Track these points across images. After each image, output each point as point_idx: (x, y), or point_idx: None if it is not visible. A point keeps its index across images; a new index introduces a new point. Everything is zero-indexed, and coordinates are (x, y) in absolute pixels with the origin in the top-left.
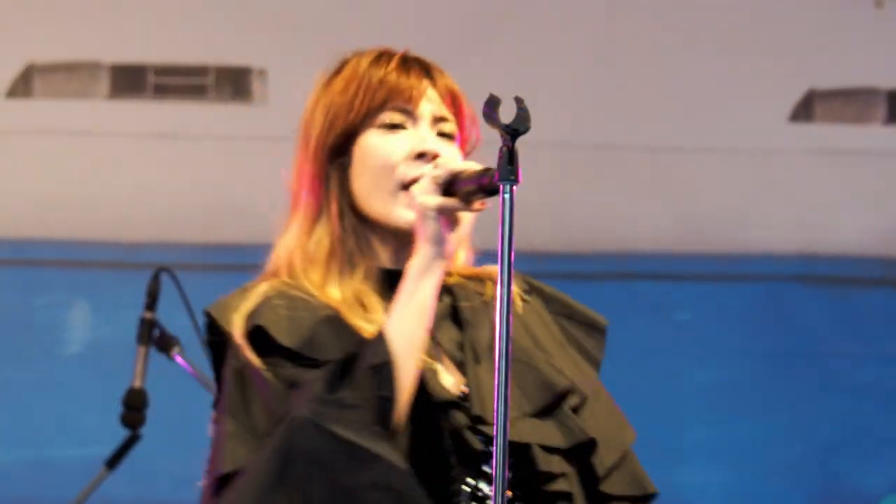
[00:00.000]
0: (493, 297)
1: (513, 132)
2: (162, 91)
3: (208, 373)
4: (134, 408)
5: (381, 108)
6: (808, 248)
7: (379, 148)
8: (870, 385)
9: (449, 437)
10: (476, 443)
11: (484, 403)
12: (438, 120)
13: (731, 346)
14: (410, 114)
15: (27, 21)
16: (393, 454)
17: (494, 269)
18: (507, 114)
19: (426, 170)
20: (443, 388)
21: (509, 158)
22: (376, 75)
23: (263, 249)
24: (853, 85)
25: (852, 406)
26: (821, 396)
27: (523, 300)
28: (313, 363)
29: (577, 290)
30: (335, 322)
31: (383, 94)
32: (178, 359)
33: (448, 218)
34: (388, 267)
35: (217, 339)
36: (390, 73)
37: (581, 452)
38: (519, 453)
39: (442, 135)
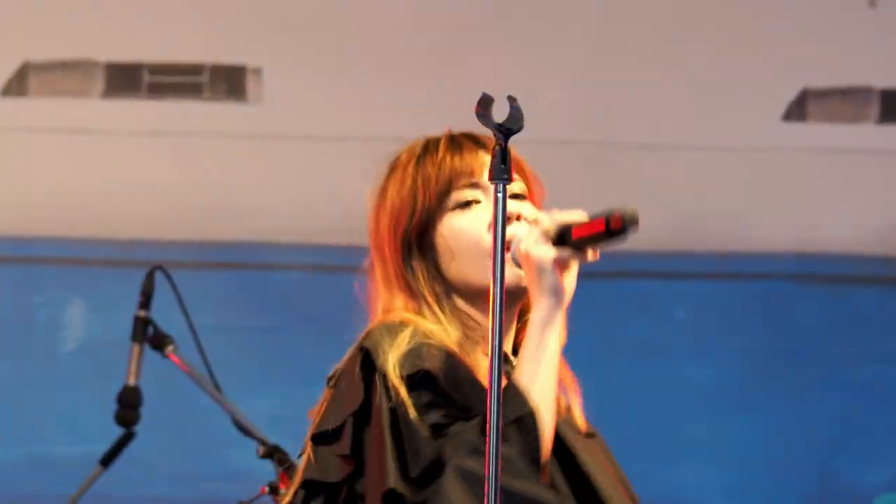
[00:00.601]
0: None
1: (506, 131)
2: (157, 89)
3: (202, 370)
4: (128, 406)
5: (449, 191)
6: (804, 246)
7: (462, 226)
8: (866, 383)
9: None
10: None
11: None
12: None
13: (728, 344)
14: (478, 186)
15: (23, 20)
16: (546, 493)
17: None
18: (500, 113)
19: (515, 230)
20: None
21: (502, 157)
22: (431, 163)
23: (257, 247)
24: (847, 84)
25: (849, 404)
26: (817, 394)
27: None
28: (462, 412)
29: (577, 290)
30: (471, 374)
31: (445, 177)
32: (172, 357)
33: (560, 268)
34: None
35: (369, 373)
36: (443, 156)
37: None
38: None
39: (514, 196)
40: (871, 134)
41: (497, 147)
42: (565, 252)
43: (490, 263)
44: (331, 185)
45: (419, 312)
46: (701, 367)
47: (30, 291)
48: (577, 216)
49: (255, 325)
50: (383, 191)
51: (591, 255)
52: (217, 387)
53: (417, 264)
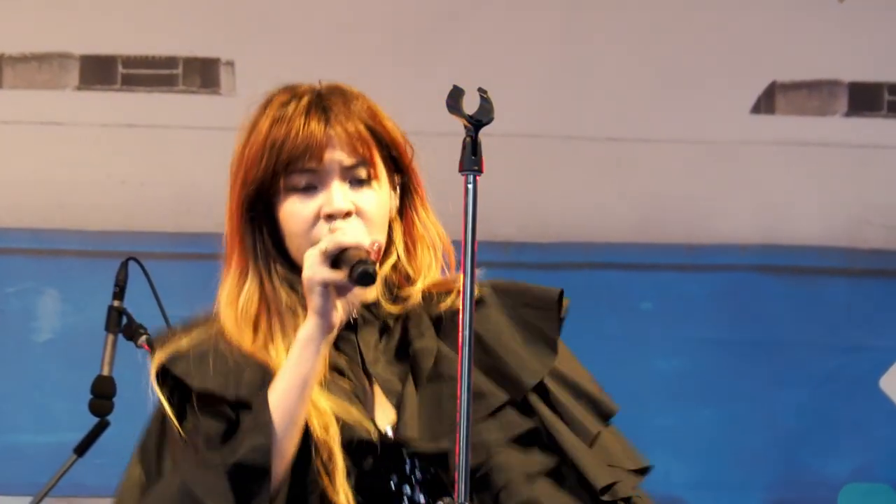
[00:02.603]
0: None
1: (476, 123)
2: (131, 82)
3: None
4: (102, 395)
5: (287, 170)
6: (770, 238)
7: (293, 214)
8: (832, 374)
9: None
10: (388, 482)
11: (405, 428)
12: (348, 169)
13: (694, 335)
14: (316, 172)
15: None
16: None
17: (459, 277)
18: (470, 105)
19: (333, 231)
20: (356, 431)
21: (473, 149)
22: (278, 135)
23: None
24: (815, 77)
25: (815, 395)
26: (783, 385)
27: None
28: (214, 410)
29: (543, 280)
30: (255, 372)
31: (286, 157)
32: (146, 347)
33: (337, 288)
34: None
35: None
36: (291, 129)
37: None
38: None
39: (356, 181)
40: (839, 127)
41: (468, 139)
42: (337, 276)
43: (308, 263)
44: None
45: (246, 272)
46: (667, 359)
47: (2, 282)
48: (356, 240)
49: None
50: (250, 133)
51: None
52: None
53: (257, 225)
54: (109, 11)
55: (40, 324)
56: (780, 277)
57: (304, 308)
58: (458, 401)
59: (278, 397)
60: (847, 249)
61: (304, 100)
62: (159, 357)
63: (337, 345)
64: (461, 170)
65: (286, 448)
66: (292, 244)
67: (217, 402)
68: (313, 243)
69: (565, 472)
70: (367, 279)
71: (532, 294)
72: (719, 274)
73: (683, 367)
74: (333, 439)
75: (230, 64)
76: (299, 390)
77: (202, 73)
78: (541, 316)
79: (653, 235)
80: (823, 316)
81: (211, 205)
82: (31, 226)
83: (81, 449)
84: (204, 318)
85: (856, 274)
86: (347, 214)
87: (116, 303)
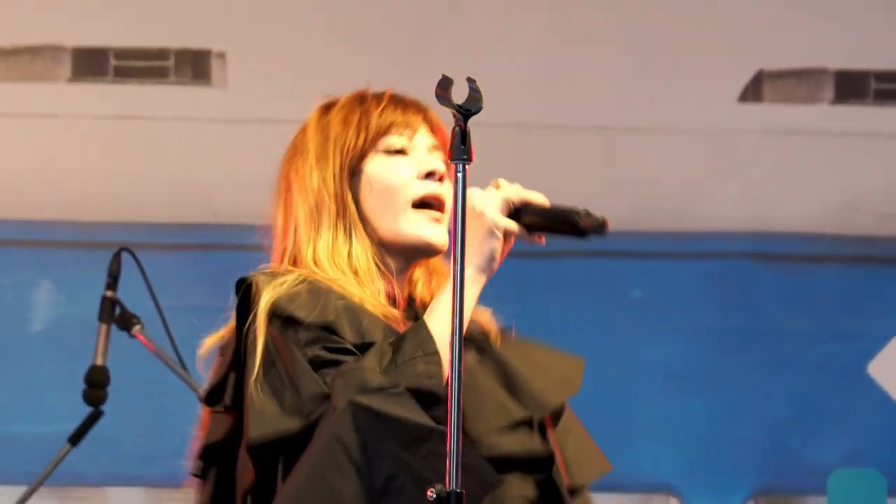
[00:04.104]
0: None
1: (465, 112)
2: (123, 74)
3: (168, 350)
4: (96, 385)
5: (385, 133)
6: (759, 226)
7: (387, 170)
8: (822, 361)
9: None
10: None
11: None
12: (433, 149)
13: (684, 323)
14: (410, 139)
15: None
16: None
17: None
18: (459, 94)
19: (435, 189)
20: None
21: (462, 138)
22: (376, 105)
23: (222, 229)
24: (801, 66)
25: (804, 382)
26: (772, 372)
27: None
28: (345, 347)
29: (534, 268)
30: (367, 312)
31: (386, 121)
32: (139, 336)
33: (505, 238)
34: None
35: (244, 311)
36: (387, 105)
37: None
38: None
39: (436, 148)
40: (826, 115)
41: (457, 128)
42: (517, 228)
43: (400, 217)
44: None
45: (348, 234)
46: (657, 346)
47: None
48: (538, 197)
49: (220, 305)
50: (325, 114)
51: (536, 238)
52: (183, 365)
53: (344, 194)
54: (101, 4)
55: (34, 314)
56: (769, 265)
57: (382, 269)
58: (449, 388)
59: (439, 329)
60: (836, 237)
61: (389, 92)
62: (273, 293)
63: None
64: (450, 159)
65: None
66: (380, 201)
67: (338, 337)
68: (406, 199)
69: None
70: (604, 228)
71: (558, 350)
72: (709, 262)
73: (674, 355)
74: None
75: (221, 55)
76: (460, 325)
77: (194, 65)
78: (567, 362)
79: (642, 224)
80: (812, 303)
81: (202, 196)
82: (24, 217)
83: (75, 438)
84: (290, 271)
85: (845, 261)
86: (441, 178)
87: (109, 293)
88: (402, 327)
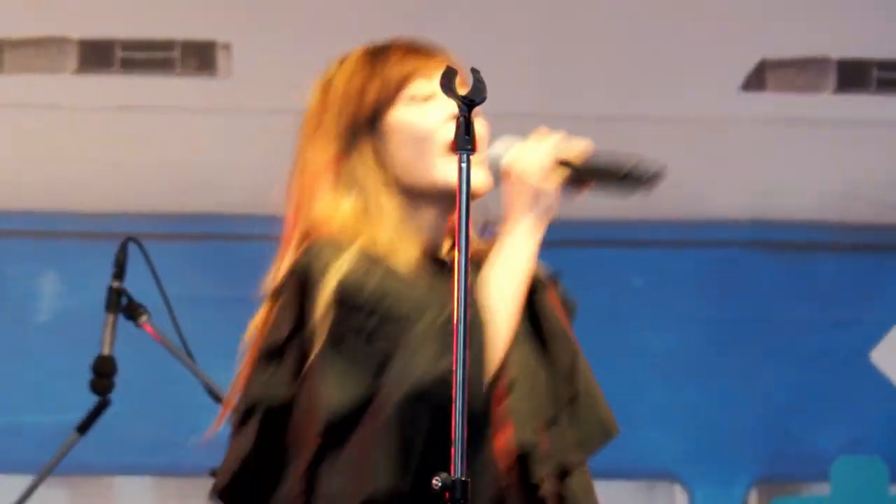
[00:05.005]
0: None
1: (469, 102)
2: (129, 65)
3: (175, 340)
4: (103, 375)
5: (406, 82)
6: (760, 214)
7: (416, 118)
8: (823, 349)
9: None
10: None
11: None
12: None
13: (686, 311)
14: (433, 83)
15: None
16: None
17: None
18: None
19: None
20: None
21: (466, 128)
22: (394, 55)
23: (228, 219)
24: (804, 54)
25: (806, 369)
26: (774, 361)
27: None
28: (398, 321)
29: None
30: (419, 282)
31: (408, 69)
32: (146, 326)
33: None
34: (429, 234)
35: (304, 282)
36: (407, 52)
37: None
38: None
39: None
40: (828, 103)
41: (461, 118)
42: (561, 184)
43: (437, 161)
44: None
45: (353, 208)
46: (659, 335)
47: (3, 263)
48: (584, 147)
49: (227, 296)
50: (329, 82)
51: (585, 190)
52: (190, 355)
53: (363, 151)
54: None
55: (40, 305)
56: (770, 253)
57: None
58: (454, 373)
59: (496, 284)
60: (837, 225)
61: (404, 41)
62: (338, 274)
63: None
64: (454, 149)
65: (507, 332)
66: (412, 151)
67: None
68: (440, 145)
69: None
70: (656, 179)
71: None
72: (710, 250)
73: (674, 343)
74: None
75: (227, 47)
76: (521, 282)
77: (199, 56)
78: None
79: (643, 212)
80: (814, 291)
81: (208, 186)
82: (30, 208)
83: (83, 428)
84: (331, 237)
85: (846, 249)
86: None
87: (116, 283)
88: (448, 284)
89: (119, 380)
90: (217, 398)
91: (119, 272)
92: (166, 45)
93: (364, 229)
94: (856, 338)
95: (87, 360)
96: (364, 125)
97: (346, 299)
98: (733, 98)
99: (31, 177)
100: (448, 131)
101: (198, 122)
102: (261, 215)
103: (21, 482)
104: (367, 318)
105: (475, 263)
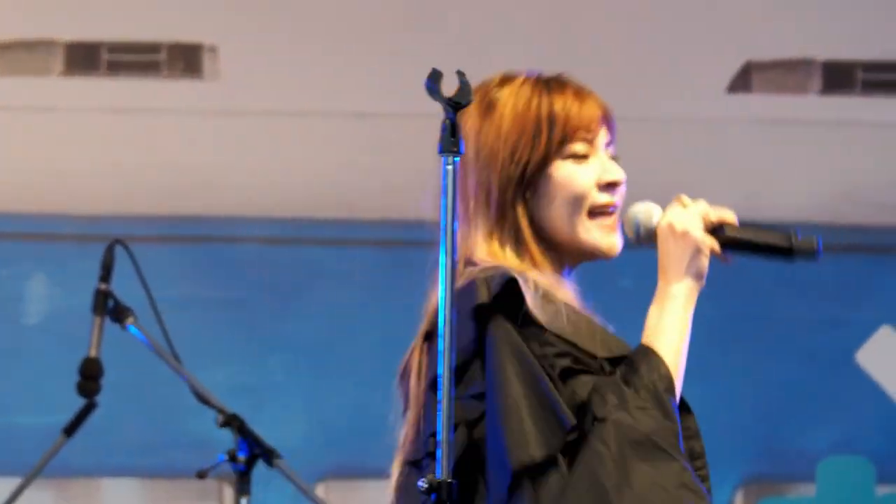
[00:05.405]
0: None
1: (455, 105)
2: (115, 68)
3: (161, 342)
4: (89, 377)
5: (570, 139)
6: (750, 215)
7: (573, 178)
8: (814, 349)
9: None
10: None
11: None
12: (608, 144)
13: None
14: (592, 142)
15: None
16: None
17: None
18: (449, 87)
19: (612, 198)
20: None
21: (451, 130)
22: (559, 105)
23: (215, 221)
24: (789, 56)
25: (794, 370)
26: (762, 360)
27: None
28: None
29: None
30: (589, 320)
31: (573, 125)
32: (132, 329)
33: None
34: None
35: (488, 313)
36: (570, 103)
37: None
38: None
39: (612, 158)
40: (814, 105)
41: (447, 120)
42: (717, 246)
43: (584, 222)
44: (288, 159)
45: (513, 253)
46: None
47: None
48: (731, 216)
49: (213, 297)
50: (493, 113)
51: (727, 258)
52: (176, 357)
53: (522, 205)
54: None
55: (29, 307)
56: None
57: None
58: (444, 376)
59: (671, 352)
60: (824, 225)
61: (569, 84)
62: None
63: None
64: (440, 151)
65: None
66: (564, 209)
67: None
68: (586, 209)
69: None
70: (815, 252)
71: None
72: None
73: None
74: None
75: (213, 49)
76: (684, 347)
77: (185, 59)
78: None
79: None
80: (802, 291)
81: (195, 188)
82: (18, 210)
83: (70, 430)
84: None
85: (834, 250)
86: (617, 186)
87: (103, 286)
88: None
89: (106, 382)
90: (203, 400)
91: (105, 274)
92: (153, 48)
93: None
94: (842, 339)
95: (76, 362)
96: (530, 176)
97: (524, 322)
98: (719, 100)
99: (19, 179)
100: (594, 198)
101: (184, 124)
102: (248, 217)
103: (10, 484)
104: (549, 345)
105: None
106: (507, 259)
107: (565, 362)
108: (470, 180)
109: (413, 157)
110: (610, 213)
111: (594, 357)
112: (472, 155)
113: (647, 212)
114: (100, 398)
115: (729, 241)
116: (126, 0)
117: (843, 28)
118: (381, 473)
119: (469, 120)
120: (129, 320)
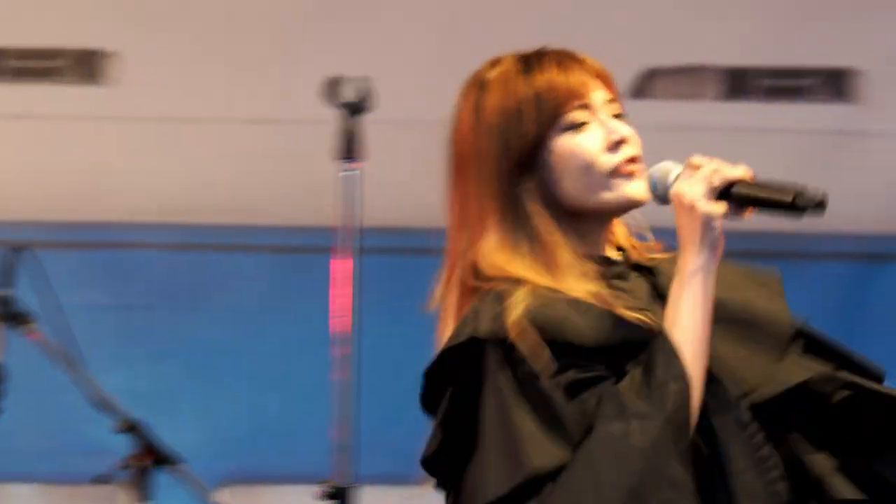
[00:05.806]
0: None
1: (353, 109)
2: (19, 74)
3: (61, 347)
4: None
5: (562, 111)
6: (654, 222)
7: (576, 149)
8: None
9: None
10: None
11: (737, 376)
12: (608, 102)
13: None
14: (587, 107)
15: None
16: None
17: (661, 245)
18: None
19: (626, 153)
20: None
21: (347, 137)
22: (542, 81)
23: (115, 227)
24: (691, 62)
25: None
26: None
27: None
28: (603, 365)
29: None
30: (606, 315)
31: (560, 97)
32: (32, 334)
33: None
34: (595, 251)
35: (465, 353)
36: (554, 75)
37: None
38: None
39: (616, 116)
40: (715, 111)
41: (344, 126)
42: (727, 209)
43: (605, 183)
44: (187, 164)
45: (519, 244)
46: None
47: None
48: (743, 172)
49: (113, 303)
50: (478, 110)
51: (747, 213)
52: (76, 363)
53: (529, 186)
54: None
55: None
56: None
57: (578, 247)
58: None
59: (689, 340)
60: (728, 232)
61: (547, 54)
62: (521, 320)
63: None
64: (339, 157)
65: (701, 375)
66: (577, 181)
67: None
68: (602, 173)
69: None
70: (823, 206)
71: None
72: None
73: None
74: None
75: (113, 55)
76: (707, 323)
77: (86, 65)
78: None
79: None
80: None
81: (97, 194)
82: None
83: None
84: (504, 284)
85: (732, 255)
86: (624, 142)
87: (3, 291)
88: (612, 292)
89: (10, 387)
90: (103, 406)
91: (6, 280)
92: (54, 54)
93: (544, 274)
94: None
95: None
96: (526, 158)
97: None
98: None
99: None
100: (607, 161)
101: (85, 130)
102: (147, 223)
103: None
104: (552, 359)
105: (647, 269)
106: (515, 264)
107: (570, 375)
108: (471, 181)
109: (311, 162)
110: (632, 162)
111: (593, 351)
112: (471, 155)
113: (664, 169)
114: (3, 403)
115: (738, 200)
116: (27, 7)
117: (745, 35)
118: (279, 478)
119: (462, 122)
120: (29, 325)
